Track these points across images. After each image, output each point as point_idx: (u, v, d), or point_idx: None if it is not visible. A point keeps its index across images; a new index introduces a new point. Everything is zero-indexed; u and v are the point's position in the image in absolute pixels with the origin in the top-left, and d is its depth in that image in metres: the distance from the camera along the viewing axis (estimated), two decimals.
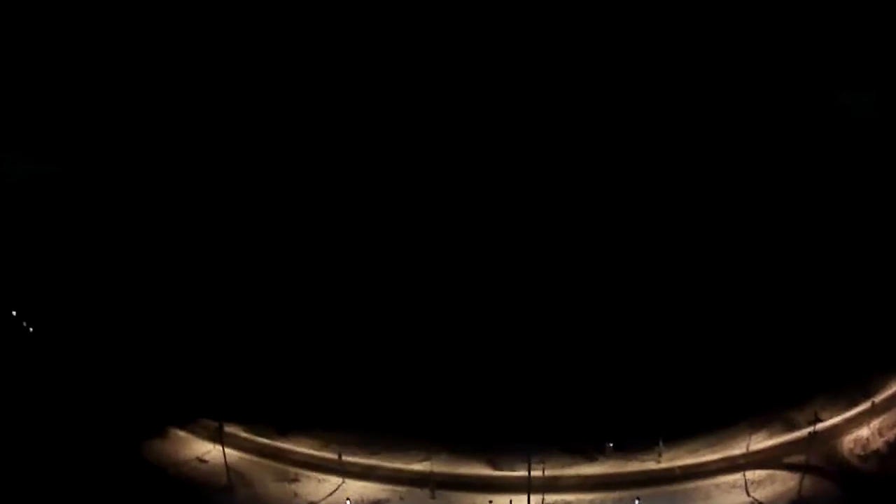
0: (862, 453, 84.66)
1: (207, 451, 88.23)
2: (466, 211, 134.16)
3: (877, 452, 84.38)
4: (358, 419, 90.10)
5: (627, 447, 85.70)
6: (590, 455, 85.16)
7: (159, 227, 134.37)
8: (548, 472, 78.67)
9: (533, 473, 75.83)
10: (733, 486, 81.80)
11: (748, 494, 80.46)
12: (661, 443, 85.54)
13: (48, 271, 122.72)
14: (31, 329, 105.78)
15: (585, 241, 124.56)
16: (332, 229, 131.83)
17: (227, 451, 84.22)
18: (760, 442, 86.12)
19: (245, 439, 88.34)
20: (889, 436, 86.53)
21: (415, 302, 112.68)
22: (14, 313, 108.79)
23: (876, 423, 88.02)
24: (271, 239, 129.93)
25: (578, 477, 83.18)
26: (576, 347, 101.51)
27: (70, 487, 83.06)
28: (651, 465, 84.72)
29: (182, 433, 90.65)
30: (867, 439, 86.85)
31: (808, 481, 79.26)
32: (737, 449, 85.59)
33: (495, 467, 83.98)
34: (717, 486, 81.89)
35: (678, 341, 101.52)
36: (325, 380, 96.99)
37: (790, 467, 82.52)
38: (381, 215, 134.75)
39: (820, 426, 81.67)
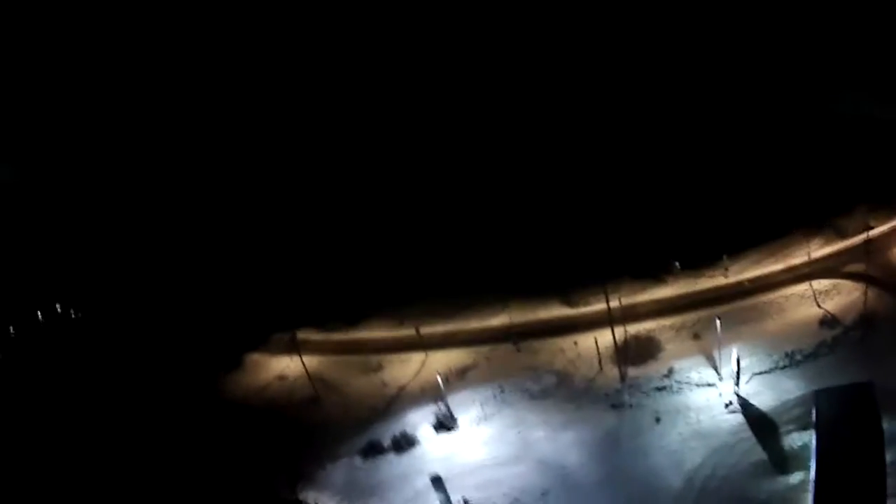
0: None
1: (285, 366, 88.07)
2: None
3: None
4: (425, 288, 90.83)
5: (693, 265, 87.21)
6: (659, 277, 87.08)
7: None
8: (623, 301, 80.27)
9: (611, 305, 77.47)
10: (802, 297, 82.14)
11: (818, 305, 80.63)
12: (725, 256, 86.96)
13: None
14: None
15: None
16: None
17: (305, 358, 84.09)
18: (819, 250, 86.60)
19: (319, 342, 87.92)
20: None
21: (451, 154, 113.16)
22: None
23: None
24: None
25: (653, 302, 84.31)
26: (627, 171, 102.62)
27: (158, 435, 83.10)
28: (720, 280, 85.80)
29: (256, 356, 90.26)
30: None
31: (872, 293, 78.87)
32: (798, 258, 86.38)
33: (571, 305, 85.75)
34: (787, 297, 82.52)
35: (720, 155, 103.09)
36: (383, 257, 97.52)
37: (852, 277, 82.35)
38: None
39: (872, 233, 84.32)
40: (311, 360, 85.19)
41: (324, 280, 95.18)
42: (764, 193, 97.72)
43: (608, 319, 77.09)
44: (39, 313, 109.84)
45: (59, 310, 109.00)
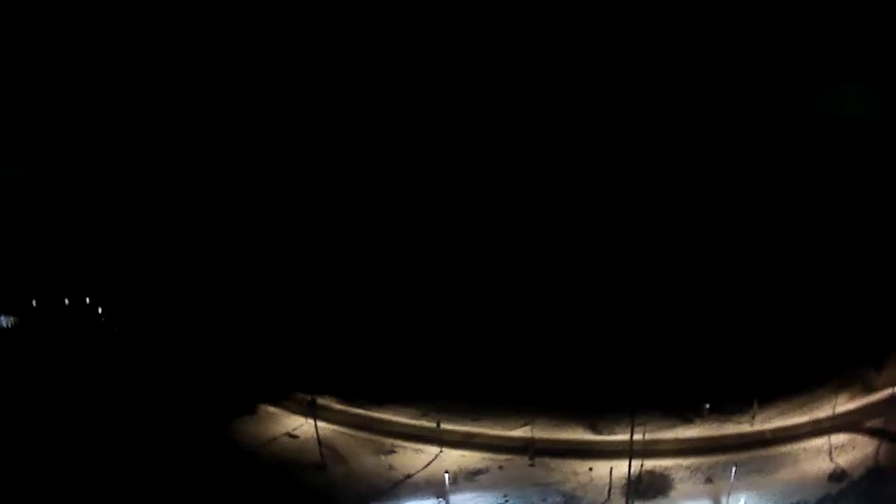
0: None
1: (298, 425, 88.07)
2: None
3: None
4: (456, 386, 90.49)
5: (723, 409, 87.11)
6: (687, 417, 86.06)
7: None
8: (647, 436, 79.47)
9: (632, 437, 76.57)
10: (819, 450, 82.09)
11: (831, 459, 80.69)
12: (755, 404, 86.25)
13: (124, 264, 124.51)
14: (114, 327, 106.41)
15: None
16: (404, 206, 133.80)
17: (319, 424, 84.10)
18: (844, 404, 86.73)
19: (339, 412, 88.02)
20: None
21: (511, 267, 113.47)
22: (99, 310, 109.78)
23: None
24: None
25: (676, 441, 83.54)
26: (674, 310, 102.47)
27: (161, 468, 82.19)
28: (745, 427, 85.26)
29: (272, 409, 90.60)
30: None
31: (885, 448, 79.44)
32: (823, 411, 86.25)
33: (596, 431, 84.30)
34: (805, 450, 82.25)
35: (767, 303, 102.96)
36: (422, 347, 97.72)
37: (870, 432, 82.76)
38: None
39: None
40: (325, 427, 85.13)
41: (358, 353, 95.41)
42: (801, 340, 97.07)
43: (628, 451, 76.42)
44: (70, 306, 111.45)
45: (100, 313, 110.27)
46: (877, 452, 79.25)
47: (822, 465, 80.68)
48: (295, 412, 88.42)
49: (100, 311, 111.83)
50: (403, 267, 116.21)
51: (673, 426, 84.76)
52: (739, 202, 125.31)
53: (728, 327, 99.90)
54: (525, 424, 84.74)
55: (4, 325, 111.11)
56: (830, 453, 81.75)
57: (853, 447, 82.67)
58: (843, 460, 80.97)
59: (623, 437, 78.31)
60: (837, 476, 78.36)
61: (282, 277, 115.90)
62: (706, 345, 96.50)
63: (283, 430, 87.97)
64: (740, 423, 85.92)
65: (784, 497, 75.63)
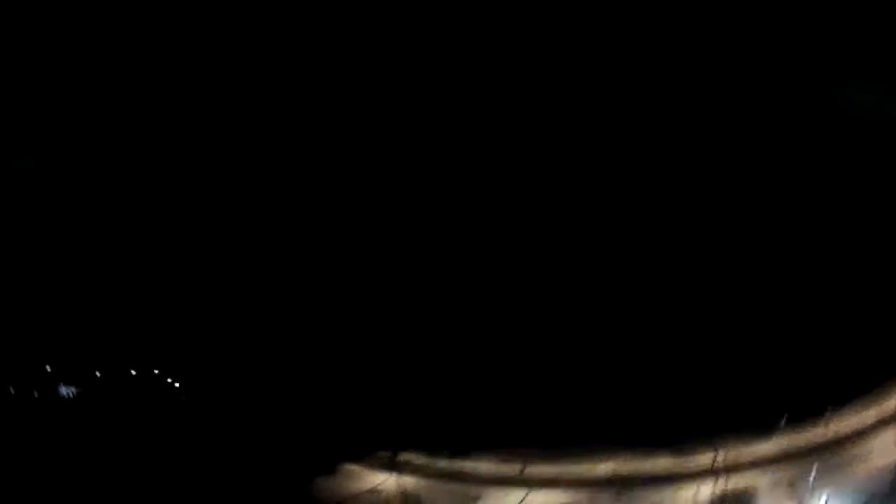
0: None
1: (381, 481, 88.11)
2: None
3: None
4: (538, 429, 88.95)
5: (797, 417, 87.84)
6: (765, 430, 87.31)
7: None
8: (729, 455, 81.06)
9: (715, 457, 78.29)
10: (891, 443, 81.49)
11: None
12: (829, 408, 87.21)
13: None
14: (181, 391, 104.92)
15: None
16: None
17: (405, 478, 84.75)
18: None
19: (421, 465, 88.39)
20: None
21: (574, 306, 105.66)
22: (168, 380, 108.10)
23: None
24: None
25: (757, 455, 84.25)
26: (744, 323, 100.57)
27: None
28: (819, 433, 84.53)
29: (352, 466, 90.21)
30: None
31: None
32: (891, 402, 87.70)
33: (678, 457, 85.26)
34: (875, 443, 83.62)
35: (828, 302, 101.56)
36: (501, 392, 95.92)
37: None
38: None
39: None
40: (409, 480, 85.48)
41: (437, 404, 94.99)
42: (865, 336, 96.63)
43: (710, 472, 77.96)
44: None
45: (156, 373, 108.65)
46: None
47: (891, 458, 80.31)
48: (376, 468, 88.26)
49: (168, 380, 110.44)
50: (463, 312, 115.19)
51: (753, 441, 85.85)
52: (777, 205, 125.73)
53: (799, 333, 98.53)
54: (608, 459, 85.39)
55: (66, 395, 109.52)
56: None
57: None
58: None
59: (705, 458, 79.72)
60: None
61: (346, 331, 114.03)
62: (780, 355, 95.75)
63: (365, 487, 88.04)
64: (815, 428, 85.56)
65: (861, 490, 76.83)
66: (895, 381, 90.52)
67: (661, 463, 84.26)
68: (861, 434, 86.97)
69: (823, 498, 75.29)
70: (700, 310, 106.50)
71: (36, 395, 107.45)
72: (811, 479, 76.64)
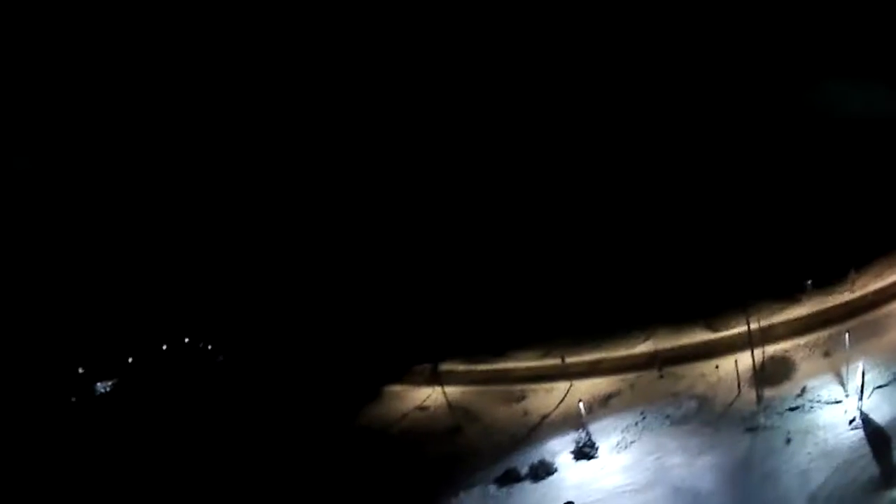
0: None
1: (426, 396, 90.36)
2: None
3: None
4: (571, 318, 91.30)
5: (824, 282, 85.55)
6: (794, 297, 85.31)
7: None
8: (763, 323, 79.41)
9: (749, 327, 76.90)
10: None
11: None
12: (852, 270, 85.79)
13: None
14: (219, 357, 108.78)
15: None
16: None
17: (446, 390, 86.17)
18: None
19: (462, 373, 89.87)
20: None
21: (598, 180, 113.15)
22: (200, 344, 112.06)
23: None
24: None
25: (789, 322, 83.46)
26: (763, 195, 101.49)
27: (297, 470, 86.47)
28: (847, 295, 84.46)
29: (396, 387, 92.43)
30: None
31: None
32: None
33: (714, 329, 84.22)
34: None
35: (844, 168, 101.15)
36: (530, 287, 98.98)
37: None
38: None
39: None
40: (453, 391, 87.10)
41: (468, 310, 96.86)
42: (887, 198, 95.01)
43: (748, 342, 76.75)
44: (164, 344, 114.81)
45: (187, 342, 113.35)
46: None
47: None
48: (419, 384, 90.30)
49: (201, 345, 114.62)
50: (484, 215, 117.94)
51: (783, 308, 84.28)
52: None
53: (817, 199, 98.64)
54: (647, 339, 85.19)
55: (102, 391, 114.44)
56: None
57: None
58: None
59: (740, 329, 78.61)
60: None
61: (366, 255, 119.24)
62: (800, 221, 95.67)
63: (412, 405, 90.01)
64: (842, 293, 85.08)
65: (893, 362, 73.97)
66: None
67: (698, 336, 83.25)
68: (891, 297, 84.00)
69: (860, 368, 72.69)
70: (718, 185, 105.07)
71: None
72: (846, 343, 74.26)
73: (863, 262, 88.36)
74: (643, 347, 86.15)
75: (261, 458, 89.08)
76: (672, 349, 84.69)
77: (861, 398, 70.57)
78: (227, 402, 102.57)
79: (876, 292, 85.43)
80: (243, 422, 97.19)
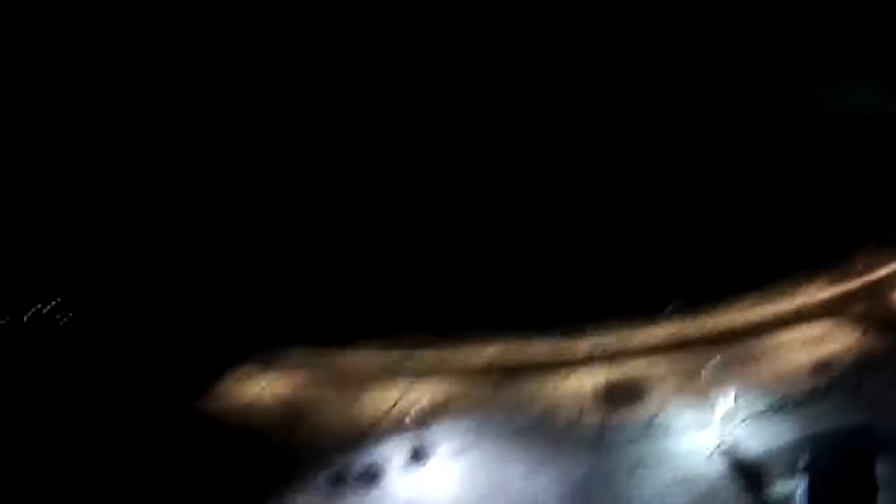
0: None
1: (264, 384, 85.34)
2: None
3: None
4: (418, 315, 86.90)
5: (690, 304, 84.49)
6: (655, 316, 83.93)
7: None
8: (612, 344, 78.37)
9: (600, 342, 75.83)
10: (797, 341, 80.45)
11: (813, 350, 77.81)
12: (722, 297, 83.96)
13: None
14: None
15: None
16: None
17: (284, 380, 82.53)
18: (820, 292, 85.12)
19: (301, 363, 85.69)
20: None
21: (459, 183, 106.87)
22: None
23: None
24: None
25: (648, 342, 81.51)
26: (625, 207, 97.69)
27: (127, 450, 79.75)
28: (716, 321, 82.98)
29: (238, 371, 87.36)
30: None
31: (871, 334, 77.41)
32: (796, 300, 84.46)
33: (560, 343, 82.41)
34: (784, 342, 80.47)
35: (728, 188, 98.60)
36: (377, 281, 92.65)
37: (851, 319, 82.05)
38: None
39: (876, 275, 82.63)
40: (291, 381, 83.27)
41: (310, 298, 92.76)
42: (768, 227, 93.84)
43: (599, 358, 75.51)
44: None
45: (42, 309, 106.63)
46: (863, 341, 77.21)
47: (805, 356, 77.70)
48: (260, 371, 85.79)
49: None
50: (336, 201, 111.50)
51: (644, 326, 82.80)
52: None
53: (694, 213, 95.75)
54: (491, 346, 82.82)
55: None
56: (811, 343, 78.87)
57: (835, 336, 79.82)
58: (826, 350, 78.06)
59: (591, 344, 77.27)
60: (824, 367, 75.15)
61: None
62: (673, 235, 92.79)
63: (252, 392, 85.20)
64: (710, 317, 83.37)
65: (769, 391, 73.08)
66: (805, 279, 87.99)
67: (542, 349, 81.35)
68: (767, 328, 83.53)
69: (731, 394, 71.60)
70: (579, 189, 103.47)
71: None
72: (712, 370, 73.19)
73: (735, 289, 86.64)
74: (488, 354, 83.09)
75: (73, 444, 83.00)
76: (519, 359, 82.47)
77: (728, 426, 69.35)
78: (54, 372, 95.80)
79: (748, 322, 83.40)
80: (64, 398, 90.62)
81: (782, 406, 71.68)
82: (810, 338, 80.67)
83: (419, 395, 78.61)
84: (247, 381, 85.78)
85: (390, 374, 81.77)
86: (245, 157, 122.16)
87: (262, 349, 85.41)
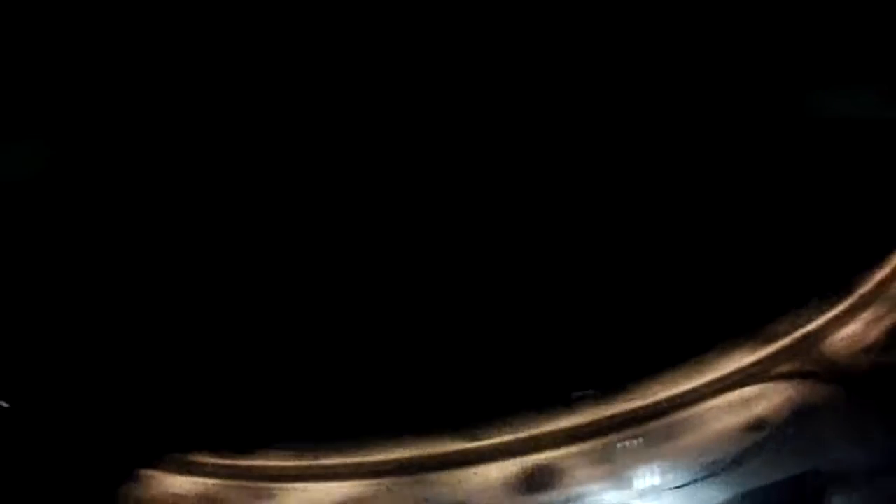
0: (857, 349, 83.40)
1: (179, 485, 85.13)
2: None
3: (876, 344, 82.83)
4: (328, 419, 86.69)
5: (605, 390, 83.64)
6: (568, 405, 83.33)
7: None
8: (528, 432, 78.37)
9: (512, 436, 76.18)
10: (727, 406, 79.76)
11: (744, 412, 78.72)
12: (637, 379, 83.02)
13: None
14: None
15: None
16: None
17: (199, 480, 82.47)
18: (743, 359, 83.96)
19: (214, 465, 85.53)
20: (884, 325, 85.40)
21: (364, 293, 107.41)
22: None
23: (867, 316, 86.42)
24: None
25: (560, 431, 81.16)
26: (531, 296, 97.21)
27: None
28: (633, 404, 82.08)
29: (150, 472, 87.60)
30: (859, 334, 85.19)
31: (805, 388, 77.95)
32: (719, 370, 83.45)
33: (473, 439, 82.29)
34: (709, 409, 79.79)
35: (632, 269, 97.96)
36: (287, 384, 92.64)
37: (782, 377, 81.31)
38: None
39: (803, 330, 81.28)
40: (205, 482, 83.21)
41: (216, 400, 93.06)
42: (681, 303, 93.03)
43: (510, 450, 75.88)
44: None
45: None
46: (796, 394, 77.28)
47: (735, 419, 78.49)
48: (173, 471, 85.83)
49: None
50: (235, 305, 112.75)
51: (554, 417, 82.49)
52: None
53: (598, 295, 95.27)
54: (402, 444, 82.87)
55: None
56: (741, 406, 79.80)
57: (767, 396, 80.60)
58: (759, 410, 78.74)
59: (502, 438, 77.60)
60: (755, 426, 76.08)
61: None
62: (575, 320, 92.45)
63: (167, 492, 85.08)
64: (629, 399, 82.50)
65: (698, 458, 73.30)
66: (726, 349, 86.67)
67: (456, 445, 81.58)
68: (690, 401, 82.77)
69: (654, 470, 71.61)
70: (477, 283, 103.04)
71: None
72: (631, 449, 73.16)
73: (652, 369, 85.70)
74: (399, 453, 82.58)
75: None
76: (430, 455, 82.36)
77: (653, 501, 70.38)
78: None
79: (672, 397, 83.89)
80: None
81: (712, 472, 71.75)
82: (738, 402, 79.58)
83: (336, 495, 78.61)
84: (166, 479, 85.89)
85: (304, 475, 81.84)
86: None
87: (175, 450, 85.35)
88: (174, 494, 78.59)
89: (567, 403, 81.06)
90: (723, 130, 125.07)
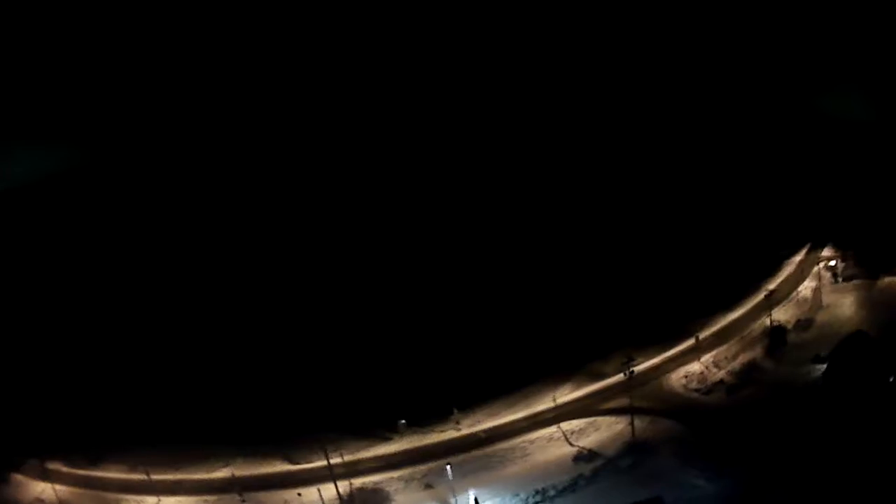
0: (700, 387, 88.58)
1: (41, 490, 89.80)
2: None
3: (721, 384, 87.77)
4: (158, 437, 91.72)
5: (421, 421, 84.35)
6: (384, 435, 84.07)
7: None
8: (346, 458, 79.98)
9: (332, 461, 76.76)
10: (550, 438, 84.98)
11: (570, 444, 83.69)
12: (455, 411, 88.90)
13: None
14: None
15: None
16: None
17: (59, 487, 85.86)
18: (568, 394, 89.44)
19: (66, 473, 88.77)
20: (730, 367, 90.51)
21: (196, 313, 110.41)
22: None
23: (709, 357, 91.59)
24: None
25: (378, 458, 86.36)
26: (353, 326, 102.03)
27: None
28: (452, 433, 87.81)
29: (20, 476, 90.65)
30: (702, 373, 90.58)
31: (640, 421, 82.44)
32: (541, 405, 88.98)
33: (292, 462, 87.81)
34: (532, 441, 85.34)
35: (459, 302, 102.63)
36: (124, 402, 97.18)
37: (612, 412, 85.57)
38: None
39: (638, 368, 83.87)
40: (62, 489, 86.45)
41: (70, 411, 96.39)
42: (506, 339, 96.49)
43: (330, 475, 76.49)
44: None
45: None
46: (631, 428, 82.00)
47: (562, 451, 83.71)
48: (36, 478, 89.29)
49: None
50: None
51: (371, 445, 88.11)
52: None
53: (415, 336, 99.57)
54: (225, 465, 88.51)
55: None
56: (566, 438, 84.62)
57: (595, 429, 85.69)
58: (586, 442, 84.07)
59: (321, 463, 78.54)
60: (585, 457, 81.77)
61: None
62: (395, 355, 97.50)
63: (32, 496, 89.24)
64: (444, 430, 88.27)
65: (524, 486, 78.69)
66: (548, 386, 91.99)
67: (277, 467, 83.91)
68: (510, 433, 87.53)
69: (471, 495, 76.44)
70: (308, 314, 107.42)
71: None
72: (449, 476, 77.37)
73: (470, 402, 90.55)
74: (222, 472, 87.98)
75: None
76: (252, 476, 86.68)
77: None
78: None
79: (488, 430, 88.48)
80: None
81: (544, 498, 76.53)
82: (568, 433, 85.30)
83: None
84: (31, 484, 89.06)
85: (140, 489, 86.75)
86: None
87: (34, 456, 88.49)
88: (37, 499, 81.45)
89: (392, 430, 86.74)
90: None
